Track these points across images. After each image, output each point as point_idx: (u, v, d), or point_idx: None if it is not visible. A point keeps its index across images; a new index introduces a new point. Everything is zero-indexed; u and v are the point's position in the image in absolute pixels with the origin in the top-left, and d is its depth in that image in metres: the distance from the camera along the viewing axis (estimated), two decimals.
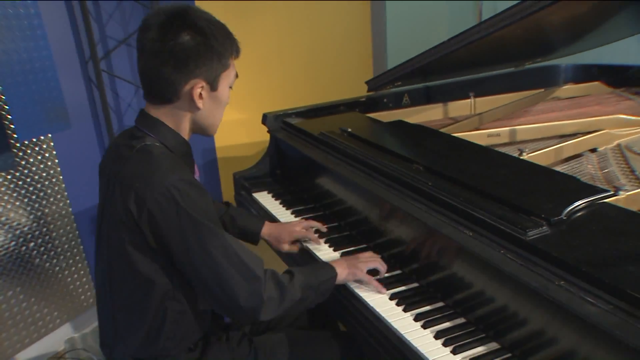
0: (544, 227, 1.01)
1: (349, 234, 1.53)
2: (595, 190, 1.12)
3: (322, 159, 1.61)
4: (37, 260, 2.18)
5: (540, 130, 1.76)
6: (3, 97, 1.79)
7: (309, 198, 1.75)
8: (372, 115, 2.00)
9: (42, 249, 2.20)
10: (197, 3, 2.74)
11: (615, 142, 1.62)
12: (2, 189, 2.01)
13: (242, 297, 1.08)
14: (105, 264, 1.18)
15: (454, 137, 1.58)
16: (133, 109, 2.50)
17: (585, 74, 2.27)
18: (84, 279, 2.38)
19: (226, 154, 3.11)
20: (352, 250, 1.44)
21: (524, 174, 1.26)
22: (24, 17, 1.76)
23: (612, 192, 1.12)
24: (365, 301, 1.22)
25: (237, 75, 1.22)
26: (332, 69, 3.86)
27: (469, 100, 2.11)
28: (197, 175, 1.33)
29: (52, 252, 2.24)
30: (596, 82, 2.21)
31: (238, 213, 1.59)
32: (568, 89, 2.23)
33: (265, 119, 1.95)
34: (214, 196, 2.15)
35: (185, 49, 1.09)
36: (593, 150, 1.62)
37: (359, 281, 1.27)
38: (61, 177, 2.23)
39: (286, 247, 1.51)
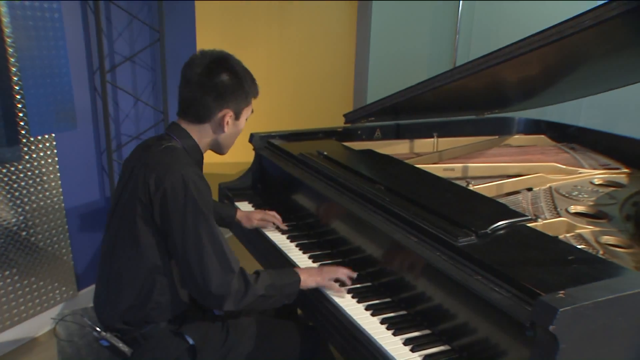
0: (472, 237, 1.28)
1: (317, 241, 1.77)
2: (517, 214, 1.39)
3: (300, 175, 1.86)
4: (27, 249, 2.35)
5: (488, 169, 2.06)
6: (19, 96, 2.00)
7: (285, 210, 1.99)
8: (346, 144, 2.27)
9: (33, 239, 2.37)
10: (198, 33, 3.03)
11: (548, 185, 1.92)
12: (5, 179, 2.20)
13: (214, 284, 1.30)
14: (113, 235, 1.41)
15: (414, 166, 1.86)
16: (130, 119, 2.73)
17: (534, 127, 2.61)
18: (67, 272, 2.55)
19: (211, 169, 3.34)
20: (319, 254, 1.68)
21: (465, 199, 1.54)
22: (50, 29, 2.00)
23: (530, 217, 1.40)
24: (329, 295, 1.45)
25: (252, 111, 1.55)
26: (315, 101, 4.17)
27: (432, 139, 2.41)
28: None
29: (42, 244, 2.42)
30: (542, 135, 2.54)
31: (215, 203, 1.89)
32: (518, 139, 2.56)
33: (252, 138, 2.20)
34: None
35: (225, 85, 1.41)
36: (530, 190, 1.92)
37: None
38: (58, 174, 2.42)
39: (257, 223, 1.87)
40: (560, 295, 0.96)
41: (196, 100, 1.42)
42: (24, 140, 2.23)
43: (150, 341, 1.40)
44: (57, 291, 2.53)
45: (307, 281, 1.45)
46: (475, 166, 2.06)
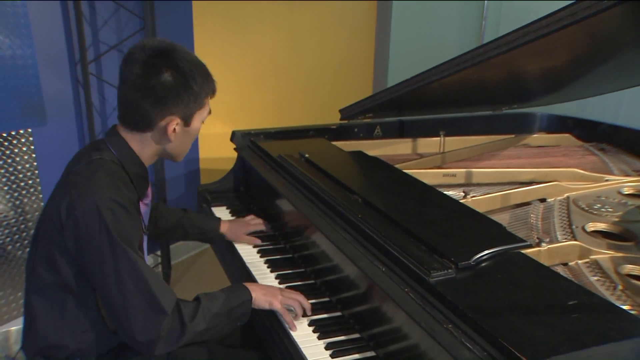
0: (451, 270, 1.03)
1: (291, 256, 1.56)
2: (513, 239, 1.14)
3: (274, 180, 1.64)
4: (10, 248, 2.22)
5: (496, 175, 1.78)
6: None
7: (265, 217, 1.78)
8: (341, 143, 2.03)
9: (17, 237, 2.24)
10: (195, 17, 2.83)
11: (565, 195, 1.64)
12: None
13: (141, 328, 1.09)
14: (32, 257, 1.22)
15: (404, 173, 1.61)
16: None
17: (559, 124, 2.30)
18: None
19: (210, 165, 3.16)
20: (289, 272, 1.46)
21: (454, 217, 1.28)
22: (12, 15, 1.84)
23: (528, 243, 1.14)
24: (285, 325, 1.24)
25: (210, 112, 1.29)
26: (330, 94, 3.90)
27: (438, 138, 2.14)
28: (148, 199, 1.37)
29: (26, 242, 2.28)
30: (567, 134, 2.24)
31: (196, 216, 1.69)
32: (539, 138, 2.26)
33: (233, 136, 1.99)
34: (191, 206, 2.17)
35: (166, 87, 1.16)
36: (543, 200, 1.64)
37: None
38: (37, 171, 2.28)
39: (245, 238, 1.64)
40: None
41: (133, 106, 1.18)
42: None
43: None
44: None
45: (259, 300, 1.23)
46: (480, 171, 1.79)
